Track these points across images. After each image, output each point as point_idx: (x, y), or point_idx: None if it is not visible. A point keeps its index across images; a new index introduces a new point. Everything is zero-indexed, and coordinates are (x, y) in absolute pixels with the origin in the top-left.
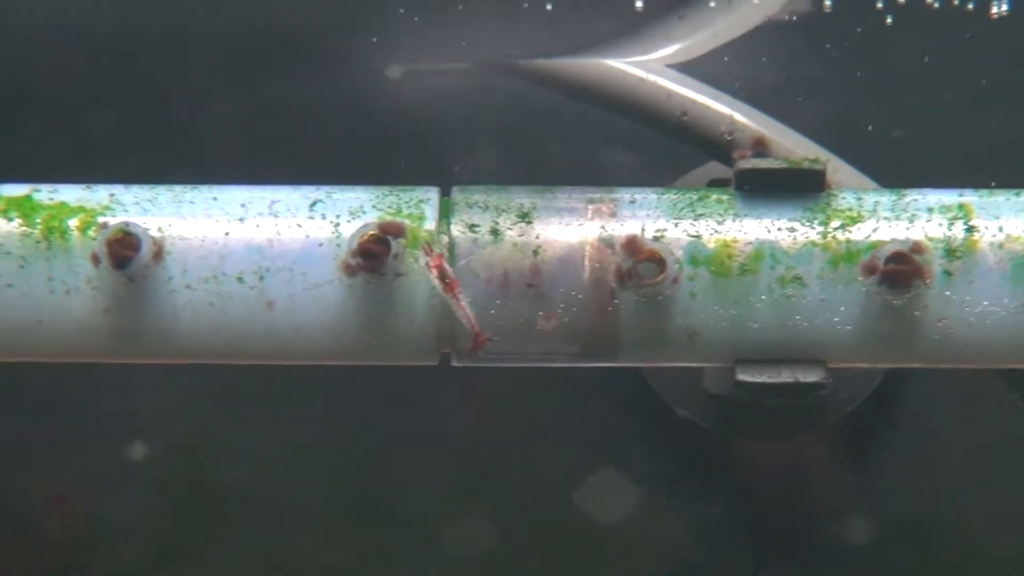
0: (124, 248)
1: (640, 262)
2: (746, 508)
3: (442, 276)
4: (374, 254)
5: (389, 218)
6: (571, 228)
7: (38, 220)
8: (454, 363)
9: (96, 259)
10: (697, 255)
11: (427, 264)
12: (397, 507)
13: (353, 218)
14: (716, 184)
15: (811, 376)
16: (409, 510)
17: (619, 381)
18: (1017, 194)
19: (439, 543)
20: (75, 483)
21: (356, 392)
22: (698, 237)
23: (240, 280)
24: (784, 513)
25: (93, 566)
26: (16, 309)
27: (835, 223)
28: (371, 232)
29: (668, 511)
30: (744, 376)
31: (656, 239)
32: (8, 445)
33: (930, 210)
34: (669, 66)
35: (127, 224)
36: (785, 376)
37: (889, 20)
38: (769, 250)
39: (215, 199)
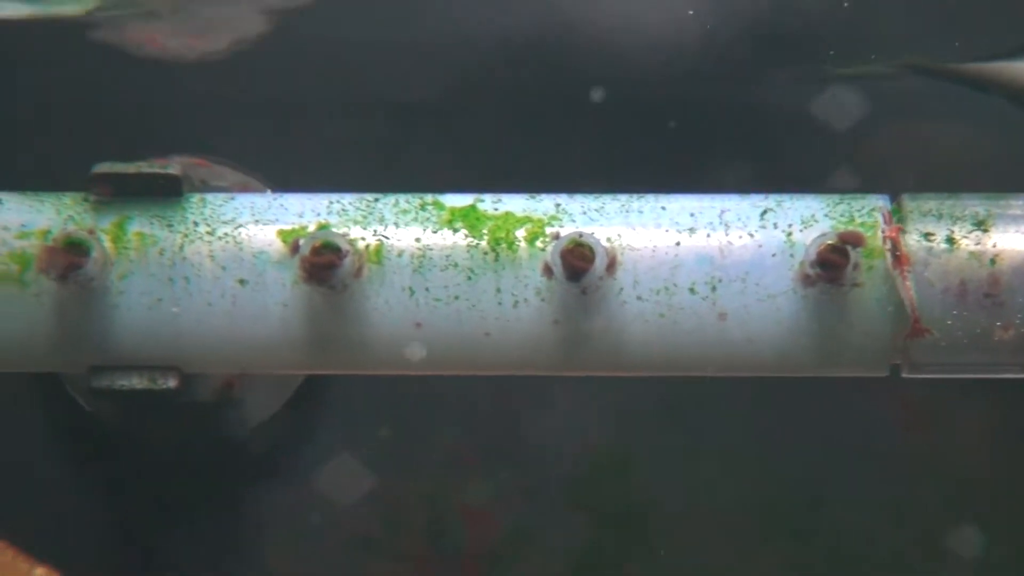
0: (579, 259)
1: None
2: None
3: (895, 249)
4: (834, 264)
5: (843, 227)
6: None
7: (485, 231)
8: (904, 375)
9: (548, 270)
10: None
11: (884, 233)
12: (823, 522)
13: (805, 227)
14: None
15: None
16: (834, 525)
17: None
18: None
19: (865, 558)
20: (494, 499)
21: (786, 405)
22: None
23: (692, 291)
24: None
25: None
26: (464, 322)
27: None
28: (830, 242)
29: None
30: None
31: None
32: (430, 462)
33: None
34: None
35: (581, 235)
36: None
37: None
38: None
39: (663, 208)
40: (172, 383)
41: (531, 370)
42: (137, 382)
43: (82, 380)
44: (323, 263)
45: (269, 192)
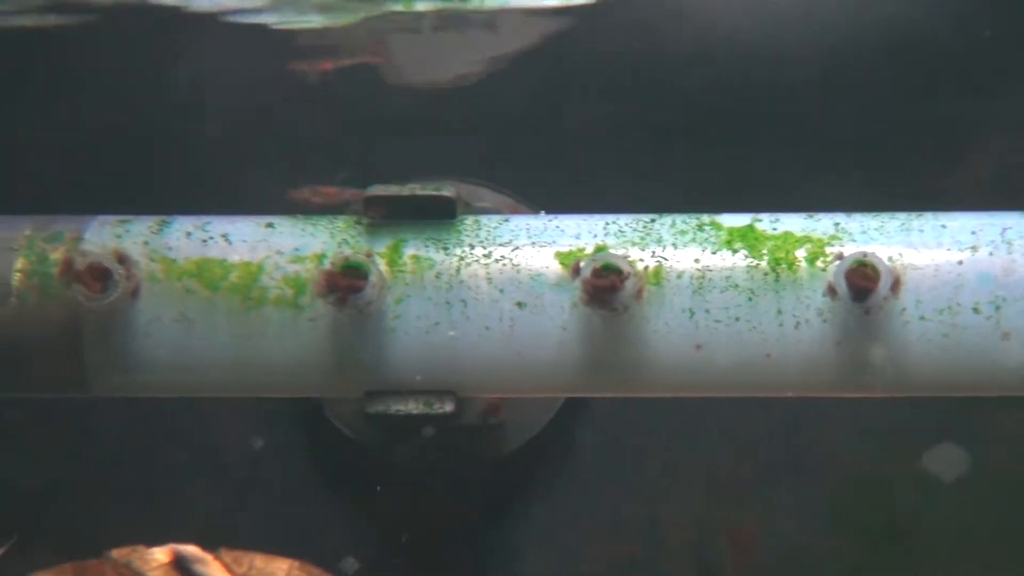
0: (864, 279)
1: None
2: None
3: None
4: None
5: None
6: None
7: (764, 251)
8: None
9: (832, 291)
10: None
11: None
12: None
13: None
14: None
15: None
16: None
17: None
18: None
19: None
20: (758, 519)
21: None
22: None
23: (976, 311)
24: None
25: None
26: (745, 344)
27: None
28: None
29: None
30: None
31: None
32: (694, 482)
33: None
34: None
35: (865, 254)
36: None
37: None
38: None
39: (944, 227)
40: (448, 407)
41: (811, 391)
42: (413, 407)
43: (342, 405)
44: (605, 285)
45: (543, 213)
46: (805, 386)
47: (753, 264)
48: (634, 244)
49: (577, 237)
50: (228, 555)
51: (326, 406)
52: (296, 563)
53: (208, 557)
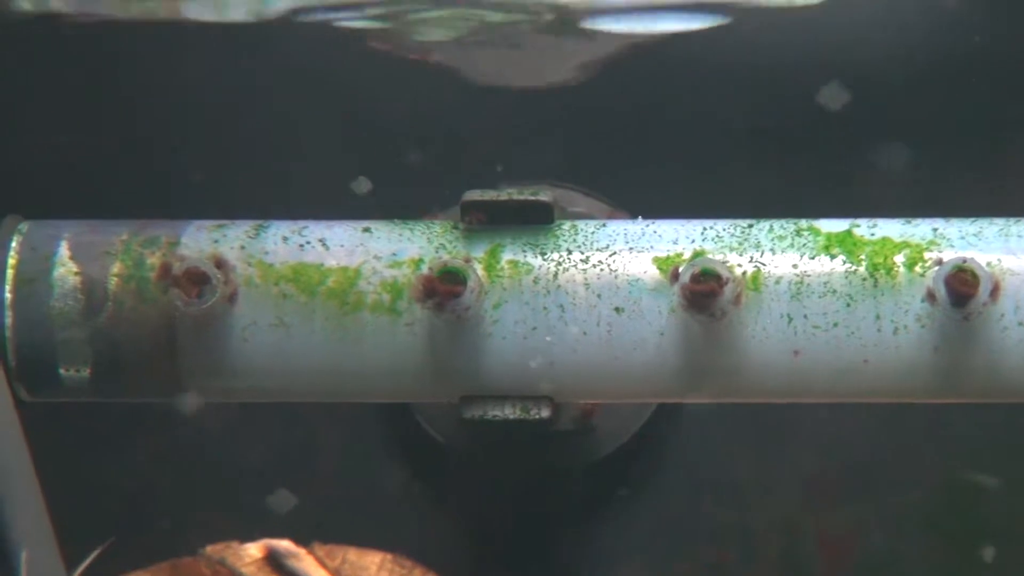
0: (963, 285)
1: None
2: None
3: None
4: None
5: None
6: None
7: (862, 256)
8: None
9: (931, 296)
10: None
11: None
12: None
13: None
14: None
15: None
16: None
17: None
18: None
19: None
20: (851, 524)
21: None
22: None
23: None
24: None
25: None
26: (843, 349)
27: None
28: None
29: None
30: None
31: None
32: (785, 489)
33: None
34: None
35: (964, 260)
36: None
37: None
38: None
39: None
40: (545, 413)
41: (908, 397)
42: (510, 412)
43: (433, 409)
44: (704, 290)
45: (640, 219)
46: (903, 392)
47: (851, 269)
48: (732, 249)
49: (675, 242)
50: (321, 549)
51: (416, 410)
52: (389, 555)
53: (301, 551)
